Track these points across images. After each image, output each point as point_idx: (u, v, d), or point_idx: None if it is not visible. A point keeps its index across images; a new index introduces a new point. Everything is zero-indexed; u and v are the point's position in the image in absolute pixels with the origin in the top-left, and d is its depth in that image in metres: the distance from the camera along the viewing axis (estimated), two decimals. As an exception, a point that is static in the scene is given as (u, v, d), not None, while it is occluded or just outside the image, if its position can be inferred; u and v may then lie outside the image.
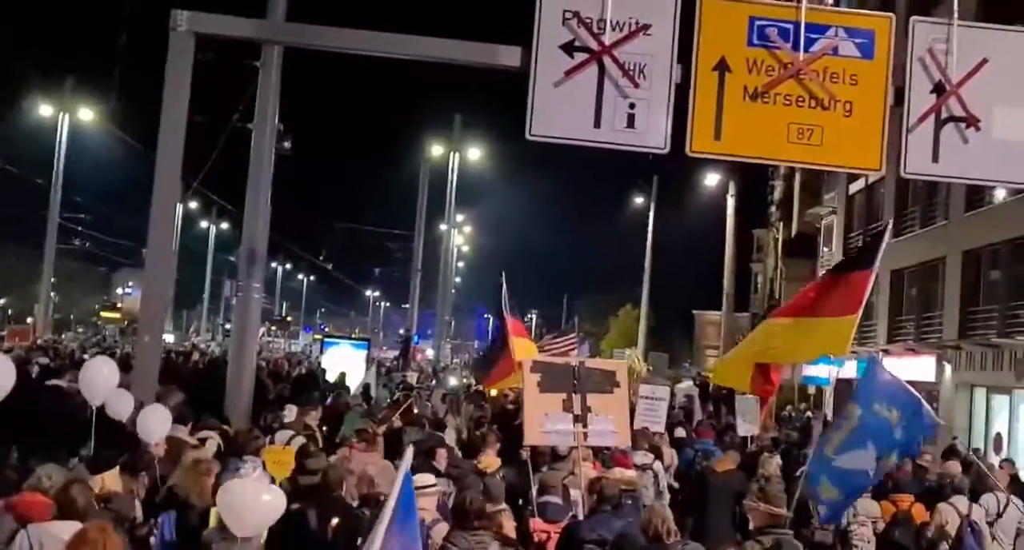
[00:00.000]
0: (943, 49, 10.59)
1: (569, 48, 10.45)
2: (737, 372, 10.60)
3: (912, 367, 26.06)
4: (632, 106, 10.50)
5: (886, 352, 27.96)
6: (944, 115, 10.60)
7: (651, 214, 45.15)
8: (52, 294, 58.85)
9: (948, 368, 24.51)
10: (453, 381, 28.19)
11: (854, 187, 33.10)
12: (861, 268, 9.16)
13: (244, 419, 12.65)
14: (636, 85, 10.46)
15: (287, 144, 14.03)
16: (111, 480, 7.02)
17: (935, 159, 10.65)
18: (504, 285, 13.19)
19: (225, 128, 16.46)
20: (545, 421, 8.74)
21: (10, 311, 64.73)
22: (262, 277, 14.08)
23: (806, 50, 10.50)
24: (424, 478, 7.50)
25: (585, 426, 8.77)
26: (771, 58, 10.55)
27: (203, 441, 9.37)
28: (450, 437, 12.21)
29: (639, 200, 47.31)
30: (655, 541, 6.64)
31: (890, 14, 10.93)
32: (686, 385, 30.30)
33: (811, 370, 33.71)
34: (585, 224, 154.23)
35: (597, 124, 10.49)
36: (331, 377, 21.54)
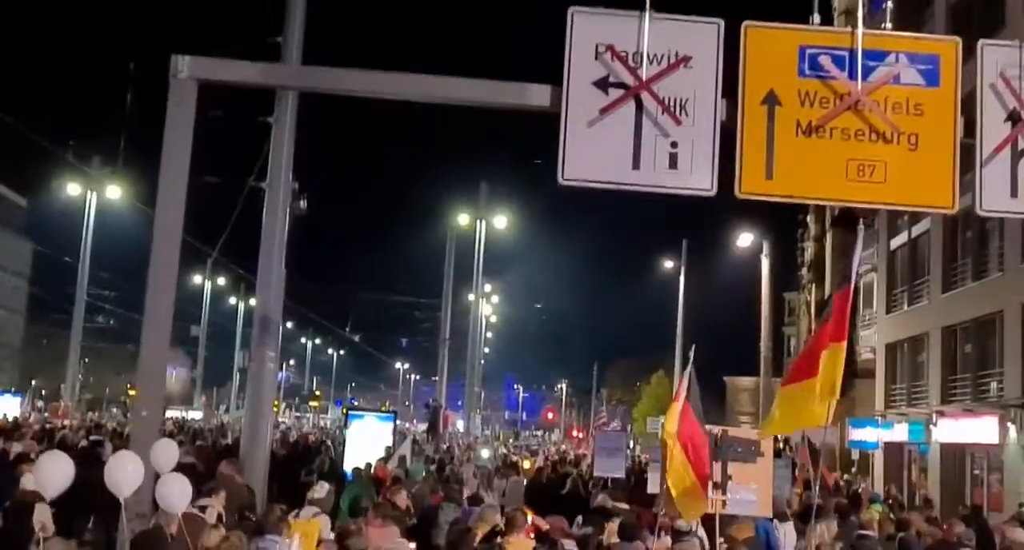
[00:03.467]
0: (1016, 74, 9.63)
1: (603, 84, 9.60)
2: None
3: (971, 429, 24.52)
4: (674, 145, 9.58)
5: (940, 414, 26.47)
6: (1021, 146, 9.59)
7: (681, 279, 44.13)
8: (84, 373, 58.78)
9: (1012, 429, 22.96)
10: (485, 454, 26.94)
11: (896, 242, 31.91)
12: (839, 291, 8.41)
13: (259, 492, 11.66)
14: (678, 122, 9.56)
15: (302, 203, 13.25)
16: None
17: (1014, 194, 9.61)
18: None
19: (242, 190, 15.66)
20: None
21: (43, 392, 64.43)
22: (277, 346, 13.14)
23: (864, 79, 9.58)
24: None
25: (724, 493, 8.79)
26: (825, 89, 9.63)
27: (203, 509, 9.03)
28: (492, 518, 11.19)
29: (668, 264, 46.45)
30: None
31: (956, 38, 9.97)
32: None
33: (857, 434, 32.17)
34: (614, 290, 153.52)
35: (636, 165, 9.56)
36: (355, 450, 20.53)
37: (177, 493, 8.01)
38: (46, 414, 40.92)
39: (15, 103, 33.51)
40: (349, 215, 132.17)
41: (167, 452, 9.30)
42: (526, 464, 25.33)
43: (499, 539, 9.03)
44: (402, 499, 11.26)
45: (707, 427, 10.28)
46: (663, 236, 77.89)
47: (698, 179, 9.62)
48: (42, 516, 8.50)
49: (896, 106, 9.62)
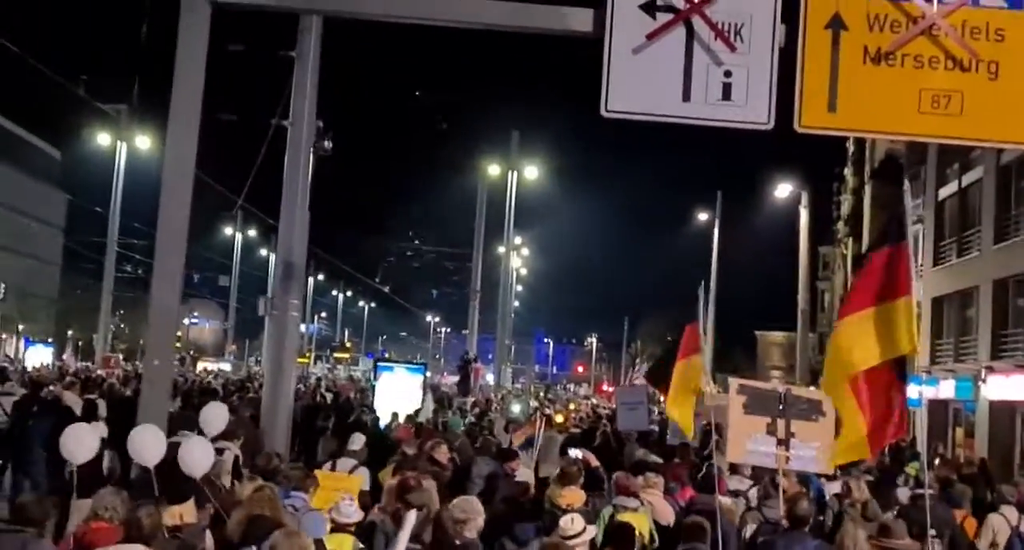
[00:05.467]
0: (1108, -6, 8.67)
1: (651, 7, 8.79)
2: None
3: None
4: (728, 74, 8.78)
5: (990, 370, 25.54)
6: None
7: (715, 232, 43.19)
8: (121, 325, 59.22)
9: (1067, 386, 22.07)
10: (516, 408, 26.43)
11: (944, 192, 30.70)
12: (893, 243, 7.73)
13: (283, 446, 11.28)
14: (732, 49, 8.75)
15: (327, 143, 12.55)
16: (187, 512, 6.77)
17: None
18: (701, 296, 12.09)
19: (267, 133, 14.92)
20: (748, 441, 9.05)
21: (80, 343, 64.96)
22: (300, 293, 12.54)
23: (940, 1, 8.67)
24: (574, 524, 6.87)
25: (788, 450, 8.94)
26: (896, 11, 8.75)
27: (220, 451, 9.05)
28: (523, 473, 10.71)
29: (702, 217, 45.46)
30: None
31: (1043, -48, 8.99)
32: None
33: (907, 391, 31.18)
34: (646, 244, 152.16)
35: (686, 97, 8.77)
36: (384, 403, 20.08)
37: (199, 457, 7.82)
38: (88, 364, 41.29)
39: (44, 53, 32.94)
40: (378, 164, 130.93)
41: (217, 414, 9.54)
42: (558, 418, 24.80)
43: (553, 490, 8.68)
44: (443, 453, 10.75)
45: (770, 384, 10.62)
46: (696, 189, 76.30)
47: (754, 111, 8.81)
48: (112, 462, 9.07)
49: (975, 31, 8.73)
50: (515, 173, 38.76)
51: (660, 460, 12.16)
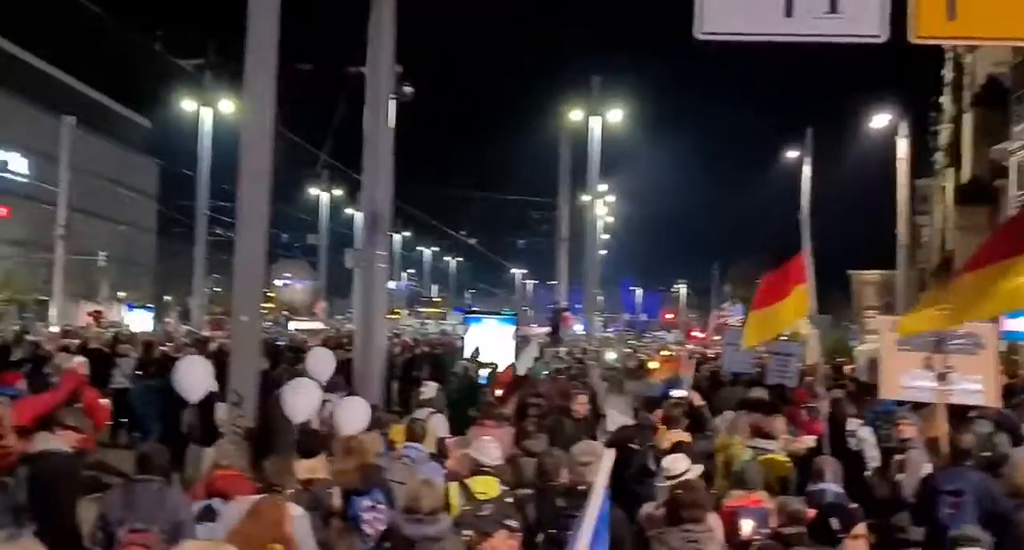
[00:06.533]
0: None
1: (747, -86, 8.07)
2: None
3: None
4: (834, -16, 8.03)
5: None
6: None
7: (806, 170, 41.66)
8: (216, 288, 60.67)
9: None
10: (611, 356, 26.04)
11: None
12: None
13: (376, 398, 11.36)
14: (838, -45, 7.98)
15: (407, 89, 12.19)
16: (318, 466, 6.87)
17: None
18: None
19: (350, 93, 14.62)
20: (902, 377, 9.00)
21: (179, 308, 66.91)
22: (387, 245, 12.32)
23: None
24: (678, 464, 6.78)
25: (947, 384, 8.81)
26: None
27: (324, 403, 9.08)
28: (614, 420, 10.48)
29: (790, 155, 43.97)
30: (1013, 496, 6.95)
31: None
32: (869, 347, 27.30)
33: (1012, 324, 29.69)
34: (734, 186, 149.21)
35: (789, 12, 8.03)
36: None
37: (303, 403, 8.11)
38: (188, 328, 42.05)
39: (119, 11, 33.33)
40: (458, 113, 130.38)
41: (325, 359, 10.07)
42: (652, 365, 24.38)
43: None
44: (581, 403, 10.66)
45: None
46: (784, 126, 74.01)
47: (864, 23, 8.05)
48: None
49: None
50: (596, 119, 38.09)
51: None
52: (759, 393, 12.23)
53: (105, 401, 10.32)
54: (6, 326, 37.57)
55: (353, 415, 8.04)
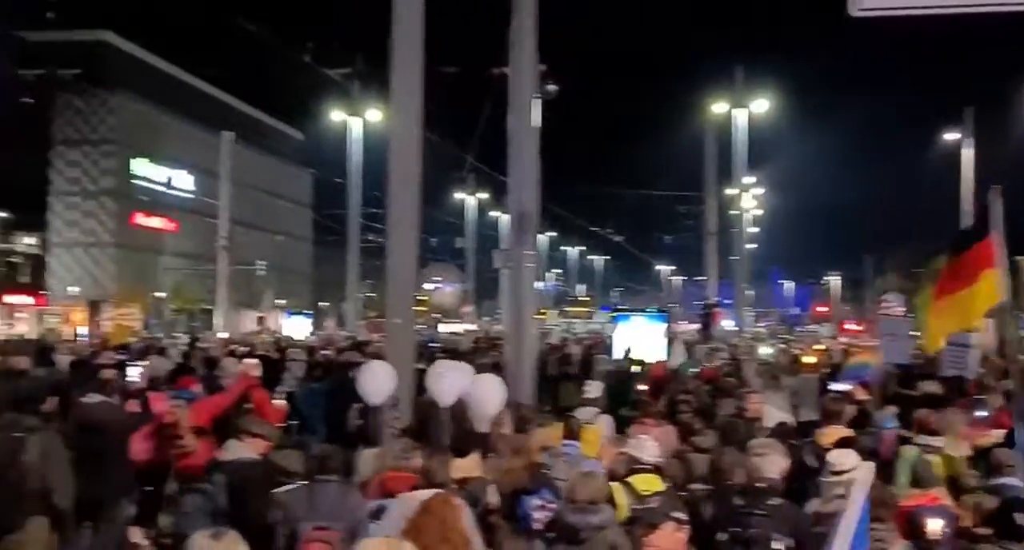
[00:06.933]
0: None
1: None
2: None
3: None
4: (1006, -55, 7.51)
5: None
6: None
7: (967, 152, 39.51)
8: (371, 294, 62.62)
9: None
10: (765, 350, 25.34)
11: None
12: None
13: (527, 397, 11.45)
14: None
15: (550, 87, 12.18)
16: (471, 465, 6.87)
17: None
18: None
19: (494, 93, 14.77)
20: None
21: (339, 315, 69.29)
22: (534, 245, 12.35)
23: None
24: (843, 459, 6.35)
25: None
26: None
27: None
28: (772, 416, 10.15)
29: (948, 137, 41.70)
30: None
31: None
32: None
33: None
34: (887, 174, 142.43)
35: (956, -20, 7.59)
36: (622, 353, 19.76)
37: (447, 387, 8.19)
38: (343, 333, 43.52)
39: (271, 26, 34.80)
40: (602, 110, 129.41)
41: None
42: (806, 359, 23.59)
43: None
44: (754, 402, 10.40)
45: None
46: (940, 110, 70.01)
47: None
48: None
49: None
50: (741, 110, 37.41)
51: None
52: (931, 387, 11.64)
53: (280, 402, 10.69)
54: (177, 334, 39.77)
55: (490, 394, 8.04)
